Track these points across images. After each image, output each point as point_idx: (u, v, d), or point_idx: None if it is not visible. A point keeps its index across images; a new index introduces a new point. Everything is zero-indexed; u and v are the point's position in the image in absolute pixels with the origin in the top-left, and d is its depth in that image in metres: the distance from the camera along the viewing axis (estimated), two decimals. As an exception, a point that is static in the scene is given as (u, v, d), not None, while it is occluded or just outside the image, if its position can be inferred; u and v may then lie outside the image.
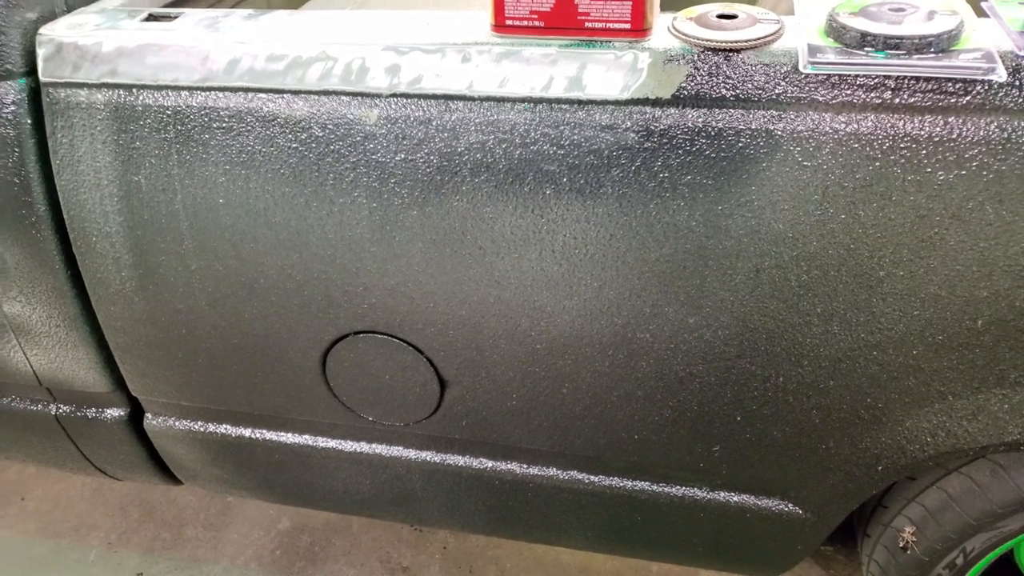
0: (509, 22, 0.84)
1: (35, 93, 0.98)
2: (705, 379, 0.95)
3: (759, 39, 0.80)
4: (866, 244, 0.83)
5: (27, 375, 1.19)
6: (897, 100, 0.77)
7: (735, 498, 1.08)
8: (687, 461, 1.04)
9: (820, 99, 0.79)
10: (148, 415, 1.24)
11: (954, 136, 0.76)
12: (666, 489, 1.10)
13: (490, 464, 1.14)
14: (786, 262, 0.85)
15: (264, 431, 1.19)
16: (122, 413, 1.23)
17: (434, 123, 0.87)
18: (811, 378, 0.93)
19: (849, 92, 0.78)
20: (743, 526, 1.11)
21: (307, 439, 1.18)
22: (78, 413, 1.24)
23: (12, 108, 0.97)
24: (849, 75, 0.78)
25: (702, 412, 0.98)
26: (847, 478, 1.01)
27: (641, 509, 1.13)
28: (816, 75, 0.79)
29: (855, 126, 0.78)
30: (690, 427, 1.00)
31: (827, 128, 0.79)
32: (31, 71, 0.97)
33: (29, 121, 0.98)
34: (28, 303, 1.09)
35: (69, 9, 1.02)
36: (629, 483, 1.10)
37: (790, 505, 1.07)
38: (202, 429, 1.21)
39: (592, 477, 1.11)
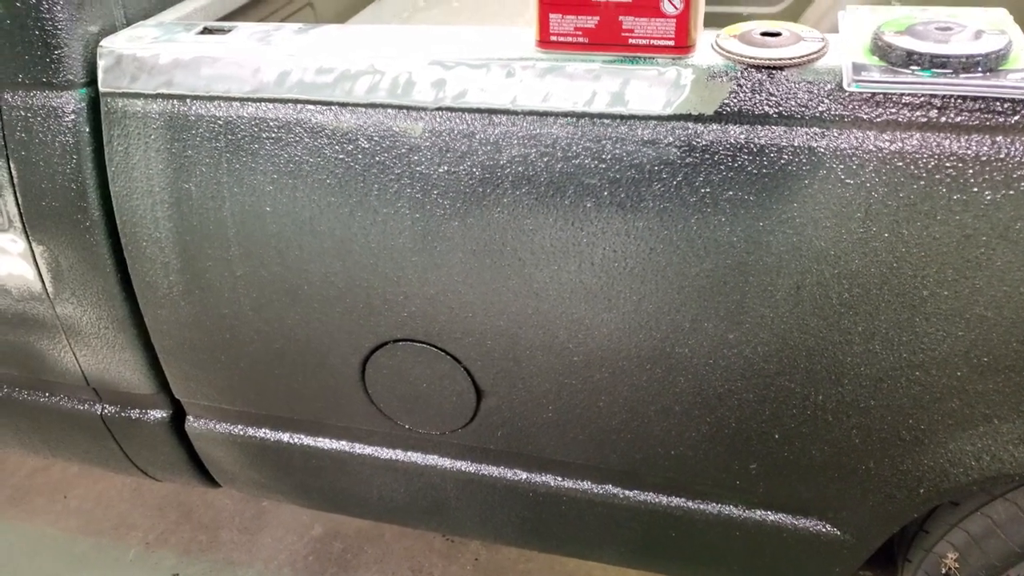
0: (554, 38, 0.85)
1: (94, 103, 1.02)
2: (743, 396, 0.95)
3: (803, 57, 0.80)
4: (910, 263, 0.82)
5: (76, 375, 1.22)
6: (943, 119, 0.77)
7: (772, 517, 1.07)
8: (724, 478, 1.03)
9: (864, 117, 0.79)
10: (190, 417, 1.26)
11: (1002, 156, 0.75)
12: (701, 506, 1.09)
13: (524, 476, 1.14)
14: (827, 280, 0.85)
15: (302, 436, 1.21)
16: (165, 415, 1.26)
17: (477, 136, 0.88)
18: (851, 397, 0.92)
19: (894, 110, 0.78)
20: (779, 546, 1.09)
21: (344, 445, 1.20)
22: (122, 414, 1.27)
23: (72, 117, 1.01)
24: (894, 94, 0.77)
25: (740, 429, 0.98)
26: (887, 500, 1.00)
27: (676, 526, 1.12)
28: (860, 93, 0.79)
29: (900, 144, 0.78)
30: (727, 444, 0.99)
31: (871, 146, 0.79)
32: (91, 82, 1.01)
33: (87, 129, 1.02)
34: (79, 305, 1.13)
35: (128, 22, 1.06)
36: (664, 499, 1.10)
37: (828, 526, 1.06)
38: (242, 433, 1.23)
39: (627, 492, 1.11)
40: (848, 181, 0.80)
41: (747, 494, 1.06)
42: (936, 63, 0.76)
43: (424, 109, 0.89)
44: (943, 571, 1.10)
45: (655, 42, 0.82)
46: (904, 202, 0.79)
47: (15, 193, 1.06)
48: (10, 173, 1.05)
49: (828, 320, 0.87)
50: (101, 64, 0.99)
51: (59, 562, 1.66)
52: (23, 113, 1.02)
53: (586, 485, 1.12)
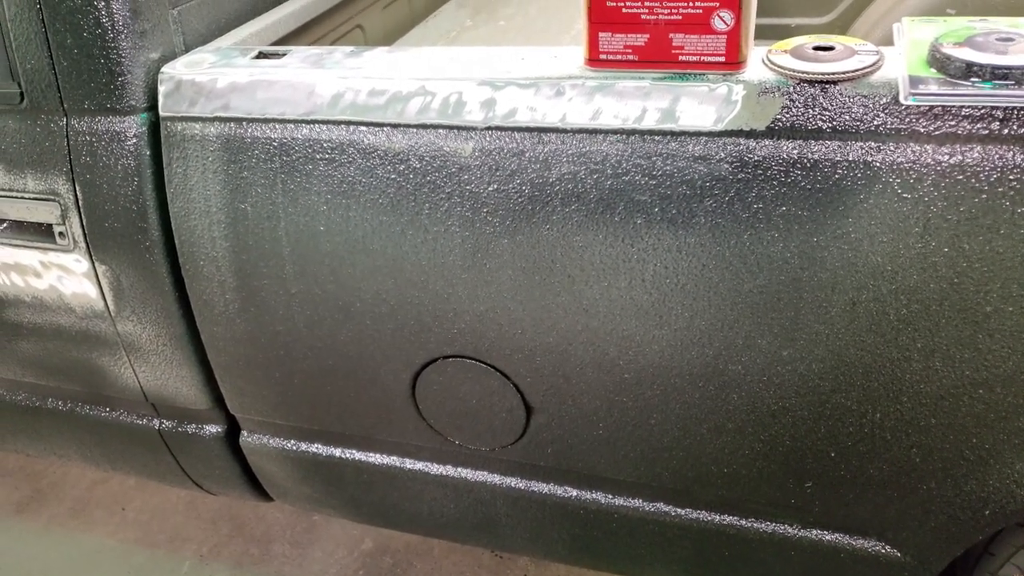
0: (603, 56, 0.86)
1: (154, 127, 1.05)
2: (798, 413, 0.93)
3: (857, 70, 0.79)
4: (971, 278, 0.80)
5: (135, 390, 1.26)
6: (1006, 131, 0.75)
7: (828, 537, 1.05)
8: (778, 497, 1.02)
9: (922, 130, 0.77)
10: (244, 432, 1.29)
11: (1069, 167, 0.73)
12: (755, 525, 1.07)
13: (574, 493, 1.13)
14: (884, 295, 0.83)
15: (354, 451, 1.23)
16: (220, 430, 1.28)
17: (527, 155, 0.89)
18: (911, 415, 0.89)
19: (953, 123, 0.76)
20: (836, 567, 1.07)
21: (395, 460, 1.21)
22: (179, 428, 1.30)
23: (134, 141, 1.04)
24: (953, 106, 0.76)
25: (795, 447, 0.96)
26: (950, 521, 0.97)
27: (729, 545, 1.10)
28: (917, 106, 0.77)
29: (959, 157, 0.76)
30: (782, 462, 0.98)
31: (929, 160, 0.77)
32: (152, 106, 1.05)
33: (148, 152, 1.05)
34: (139, 322, 1.16)
35: (187, 49, 1.10)
36: (717, 517, 1.08)
37: (888, 547, 1.03)
38: (294, 447, 1.25)
39: (678, 510, 1.09)
40: (905, 195, 0.79)
41: (803, 513, 1.04)
42: (997, 74, 0.74)
43: (474, 129, 0.90)
44: (1009, 595, 1.06)
45: (706, 58, 0.82)
46: (965, 216, 0.78)
47: (80, 215, 1.10)
48: (76, 196, 1.09)
49: (885, 337, 0.85)
50: (162, 89, 1.02)
51: (117, 573, 1.70)
52: (88, 138, 1.06)
53: (637, 503, 1.11)
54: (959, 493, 0.94)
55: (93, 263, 1.13)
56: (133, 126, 1.04)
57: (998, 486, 0.92)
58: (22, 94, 1.07)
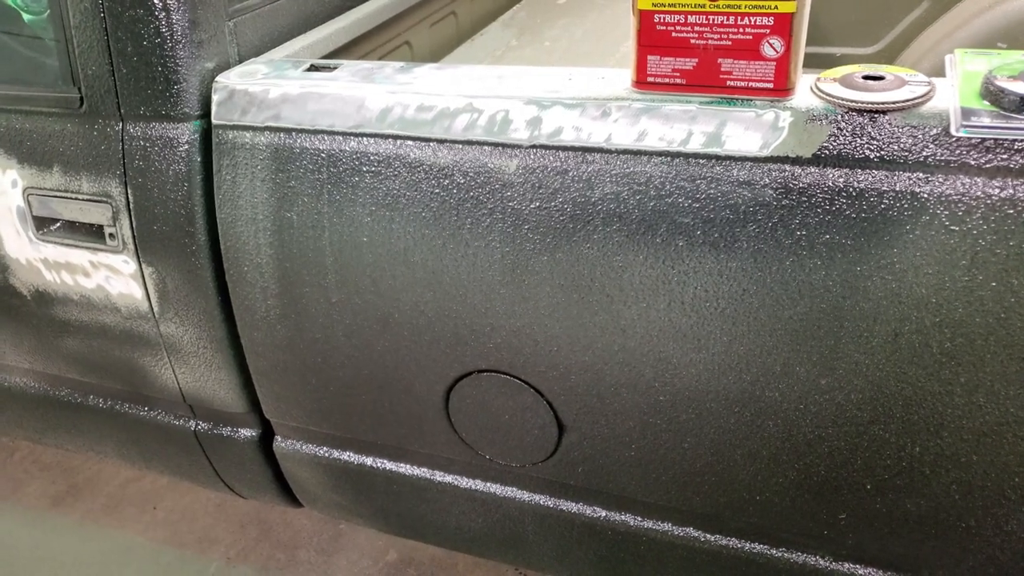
0: (650, 79, 0.86)
1: (206, 134, 1.08)
2: (834, 443, 0.92)
3: (907, 101, 0.79)
4: (1019, 314, 0.79)
5: (174, 391, 1.28)
6: (1059, 166, 0.74)
7: (861, 571, 1.03)
8: (810, 527, 1.00)
9: (972, 163, 0.77)
10: (278, 437, 1.30)
11: (1124, 205, 0.72)
12: (786, 555, 1.06)
13: (604, 513, 1.13)
14: (928, 328, 0.82)
15: (385, 461, 1.23)
16: (254, 434, 1.30)
17: (570, 173, 0.90)
18: (951, 451, 0.88)
19: (1005, 156, 0.76)
20: (868, 603, 1.05)
21: (425, 472, 1.21)
22: (215, 431, 1.32)
23: (186, 147, 1.07)
24: (1006, 139, 0.75)
25: (829, 477, 0.95)
26: (989, 562, 0.95)
27: (758, 573, 1.09)
28: (968, 139, 0.77)
29: (1011, 191, 0.76)
30: (816, 492, 0.96)
31: (979, 192, 0.77)
32: (205, 114, 1.08)
33: (199, 159, 1.08)
34: (181, 324, 1.18)
35: (241, 59, 1.13)
36: (747, 545, 1.07)
37: (921, 585, 1.01)
38: (327, 455, 1.26)
39: (708, 536, 1.08)
40: (953, 228, 0.78)
41: (835, 545, 1.02)
42: (1052, 109, 0.74)
43: (519, 146, 0.91)
44: (1047, 641, 1.03)
45: (754, 84, 0.82)
46: (1015, 251, 0.77)
47: (130, 217, 1.13)
48: (127, 198, 1.12)
49: (928, 370, 0.84)
50: (215, 98, 1.05)
51: (147, 571, 1.72)
52: (142, 143, 1.09)
53: (666, 526, 1.10)
54: (999, 533, 0.92)
55: (140, 265, 1.16)
56: (186, 133, 1.07)
57: (1040, 528, 0.89)
58: (82, 99, 1.11)
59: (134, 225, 1.13)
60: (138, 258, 1.15)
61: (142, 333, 1.23)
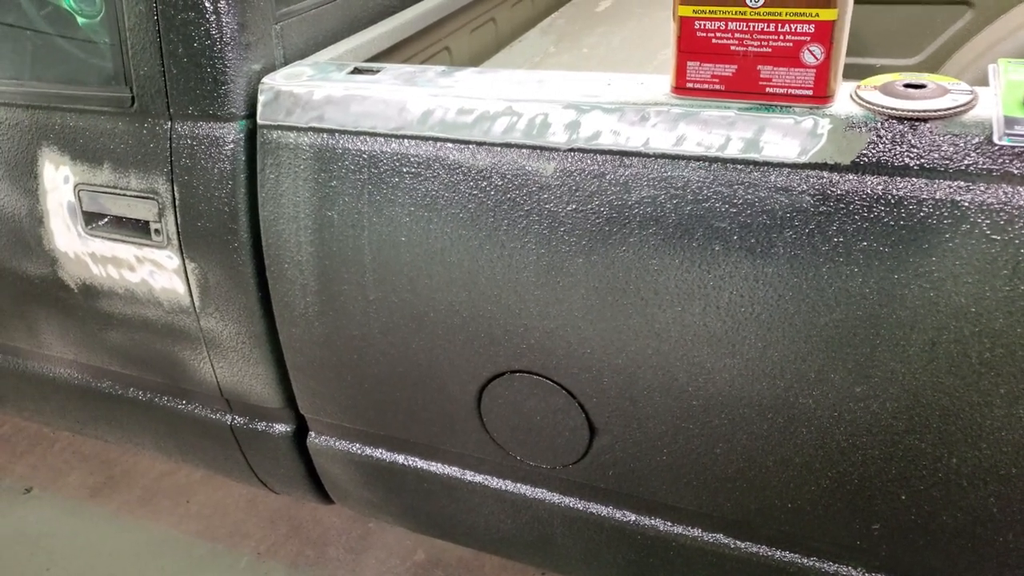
0: (690, 85, 0.87)
1: (251, 134, 1.11)
2: (869, 452, 0.92)
3: (949, 109, 0.79)
4: (1062, 325, 0.78)
5: (211, 385, 1.31)
6: (1104, 175, 0.73)
7: (893, 584, 1.02)
8: (843, 537, 0.99)
9: (1015, 172, 0.76)
10: (312, 433, 1.32)
11: None
12: (817, 564, 1.05)
13: (633, 518, 1.13)
14: (967, 337, 0.82)
15: (416, 459, 1.25)
16: (289, 429, 1.32)
17: (608, 177, 0.91)
18: (990, 463, 0.87)
19: (1049, 165, 0.75)
20: (899, 616, 1.04)
21: (455, 471, 1.23)
22: (250, 425, 1.35)
23: (231, 146, 1.10)
24: (1050, 148, 0.75)
25: (863, 486, 0.94)
26: (1025, 578, 0.93)
27: (787, 583, 1.08)
28: (1012, 147, 0.76)
29: (1054, 200, 0.75)
30: (849, 501, 0.96)
31: (1021, 202, 0.76)
32: (250, 115, 1.10)
33: (243, 158, 1.10)
34: (221, 319, 1.21)
35: (287, 62, 1.16)
36: (777, 553, 1.06)
37: (956, 600, 0.99)
38: (360, 451, 1.28)
39: (738, 542, 1.08)
40: (995, 237, 0.78)
41: (868, 556, 1.01)
42: (1097, 118, 0.73)
43: (557, 150, 0.93)
44: (1085, 663, 1.01)
45: (793, 91, 0.83)
46: (1057, 261, 0.76)
47: (176, 213, 1.16)
48: (173, 195, 1.15)
49: (966, 380, 0.84)
50: (261, 99, 1.08)
51: (179, 563, 1.75)
52: (189, 142, 1.12)
53: (696, 532, 1.10)
54: (1037, 549, 0.90)
55: (184, 260, 1.19)
56: (232, 132, 1.10)
57: (1079, 545, 0.88)
58: (133, 98, 1.15)
59: (179, 221, 1.16)
60: (182, 254, 1.18)
61: (183, 327, 1.26)
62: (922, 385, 0.85)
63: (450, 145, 0.98)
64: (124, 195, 1.19)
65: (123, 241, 1.22)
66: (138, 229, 1.21)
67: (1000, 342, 0.80)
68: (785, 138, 0.83)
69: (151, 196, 1.17)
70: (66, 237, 1.27)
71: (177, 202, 1.15)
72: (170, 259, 1.20)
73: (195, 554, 1.76)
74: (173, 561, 1.75)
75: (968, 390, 0.84)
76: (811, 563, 1.05)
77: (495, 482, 1.20)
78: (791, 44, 0.80)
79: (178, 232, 1.17)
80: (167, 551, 1.78)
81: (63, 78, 1.19)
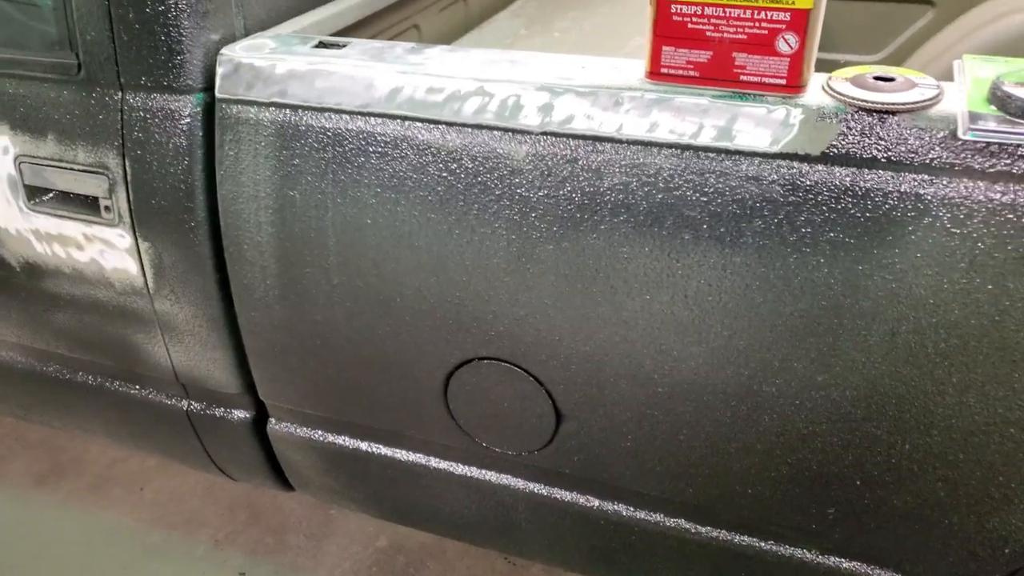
0: (664, 70, 0.87)
1: (209, 108, 1.06)
2: (828, 439, 0.94)
3: (916, 103, 0.80)
4: (1013, 317, 0.80)
5: (167, 370, 1.27)
6: (1061, 173, 0.75)
7: (845, 564, 1.05)
8: (800, 521, 1.02)
9: (976, 167, 0.78)
10: (272, 420, 1.30)
11: (1124, 213, 0.74)
12: (774, 548, 1.07)
13: (597, 503, 1.14)
14: (924, 328, 0.84)
15: (380, 446, 1.23)
16: (248, 415, 1.29)
17: (580, 162, 0.90)
18: (940, 449, 0.90)
19: (1008, 162, 0.77)
20: (852, 596, 1.07)
21: (420, 458, 1.21)
22: (207, 411, 1.31)
23: (188, 120, 1.06)
24: (1010, 144, 0.77)
25: (821, 472, 0.96)
26: (969, 557, 0.97)
27: (746, 565, 1.10)
28: (974, 142, 0.78)
29: (1011, 196, 0.77)
30: (807, 486, 0.98)
31: (981, 196, 0.78)
32: (208, 88, 1.06)
33: (201, 133, 1.06)
34: (177, 302, 1.17)
35: (247, 33, 1.11)
36: (737, 537, 1.08)
37: (904, 580, 1.03)
38: (322, 438, 1.26)
39: (699, 527, 1.10)
40: (954, 230, 0.79)
41: (822, 539, 1.04)
42: (1057, 116, 0.75)
43: (529, 133, 0.91)
44: (1022, 638, 1.06)
45: (767, 80, 0.83)
46: (1012, 255, 0.78)
47: (127, 190, 1.11)
48: (125, 171, 1.10)
49: (922, 369, 0.86)
50: (220, 71, 1.04)
51: (133, 551, 1.71)
52: (142, 114, 1.07)
53: (658, 517, 1.11)
54: (981, 530, 0.94)
55: (136, 239, 1.14)
56: (188, 105, 1.06)
57: (1020, 525, 0.92)
58: (79, 65, 1.09)
59: (131, 198, 1.12)
60: (134, 232, 1.14)
61: (136, 309, 1.22)
62: (880, 374, 0.87)
63: (419, 125, 0.95)
64: (71, 169, 1.14)
65: (70, 218, 1.17)
66: (86, 205, 1.16)
67: (955, 333, 0.83)
68: (757, 127, 0.84)
69: (100, 171, 1.12)
70: (6, 212, 1.21)
71: (129, 178, 1.11)
72: (122, 238, 1.15)
73: (149, 542, 1.72)
74: (126, 549, 1.71)
75: (923, 379, 0.86)
76: (768, 547, 1.08)
77: (460, 468, 1.20)
78: (766, 32, 0.81)
79: (130, 210, 1.12)
80: (119, 539, 1.73)
81: (2, 40, 1.12)
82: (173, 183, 1.08)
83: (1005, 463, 0.88)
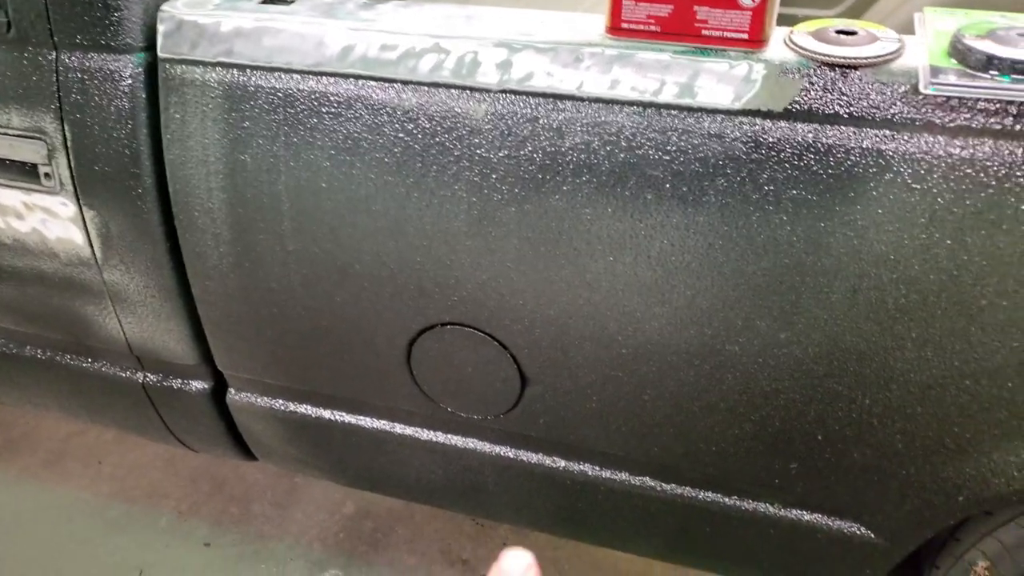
0: (625, 25, 0.84)
1: (152, 68, 1.01)
2: (790, 395, 0.95)
3: (878, 57, 0.79)
4: (970, 272, 0.81)
5: (119, 342, 1.23)
6: (1018, 127, 0.75)
7: (807, 517, 1.07)
8: (763, 476, 1.03)
9: (936, 122, 0.78)
10: (231, 390, 1.27)
11: (1079, 167, 0.74)
12: (738, 503, 1.09)
13: (563, 464, 1.14)
14: (885, 284, 0.84)
15: (344, 414, 1.22)
16: (206, 386, 1.27)
17: (541, 121, 0.88)
18: (898, 403, 0.91)
19: (968, 116, 0.77)
20: (813, 546, 1.09)
21: (384, 425, 1.20)
22: (164, 383, 1.28)
23: (129, 81, 1.01)
24: (970, 98, 0.76)
25: (784, 428, 0.97)
26: (925, 506, 0.99)
27: (710, 521, 1.12)
28: (935, 97, 0.77)
29: (971, 151, 0.77)
30: (770, 443, 0.99)
31: (941, 152, 0.78)
32: (149, 47, 1.01)
33: (144, 95, 1.01)
34: (127, 272, 1.13)
35: (189, -12, 1.06)
36: (701, 494, 1.10)
37: (863, 529, 1.05)
38: (283, 408, 1.24)
39: (664, 485, 1.11)
40: (915, 186, 0.79)
41: (785, 493, 1.05)
42: (1017, 69, 0.75)
43: (488, 91, 0.89)
44: (973, 579, 1.10)
45: (728, 34, 0.81)
46: (970, 210, 0.78)
47: (68, 156, 1.06)
48: (64, 135, 1.05)
49: (882, 325, 0.87)
50: (161, 29, 0.99)
51: (93, 526, 1.67)
52: (80, 75, 1.02)
53: (624, 476, 1.12)
54: (936, 480, 0.96)
55: (80, 207, 1.09)
56: (129, 66, 1.01)
57: (974, 474, 0.94)
58: (9, 23, 1.03)
59: (72, 165, 1.06)
60: (78, 200, 1.09)
61: (84, 280, 1.17)
62: (842, 331, 0.88)
63: (373, 84, 0.92)
64: (5, 134, 1.08)
65: (7, 186, 1.11)
66: (24, 172, 1.10)
67: (914, 288, 0.83)
68: (719, 84, 0.82)
69: (37, 136, 1.06)
70: (-62, 181, 1.15)
71: (69, 143, 1.05)
72: (65, 206, 1.10)
73: (110, 516, 1.69)
74: (86, 524, 1.67)
75: (883, 335, 0.87)
76: (732, 502, 1.09)
77: (426, 434, 1.19)
78: (728, -14, 0.79)
79: (72, 176, 1.07)
80: (78, 514, 1.69)
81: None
82: (117, 148, 1.03)
83: (960, 415, 0.90)
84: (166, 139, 1.01)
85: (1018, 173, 0.76)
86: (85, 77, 1.02)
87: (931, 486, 0.97)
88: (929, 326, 0.85)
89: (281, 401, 1.24)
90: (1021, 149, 0.76)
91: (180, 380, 1.27)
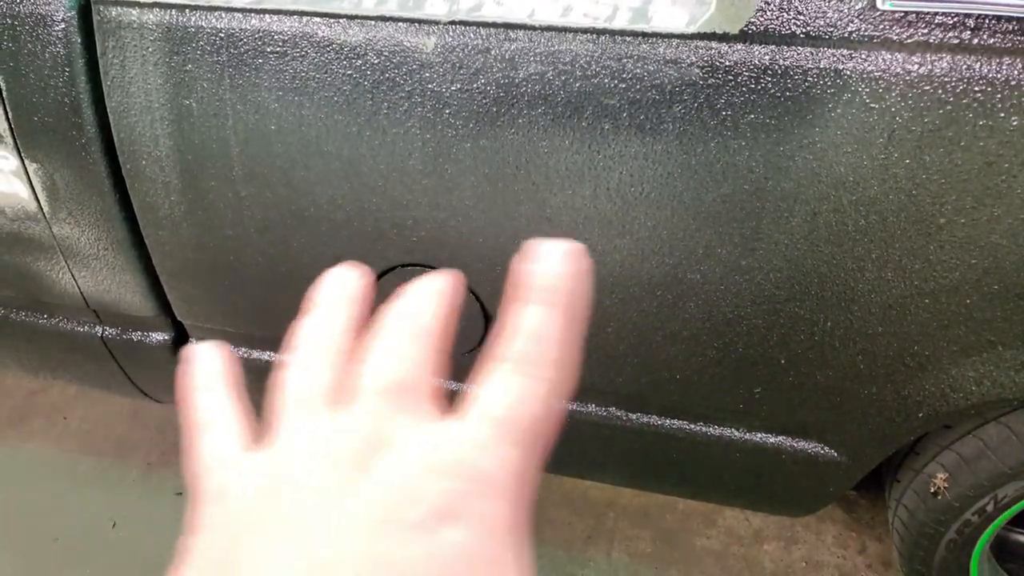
0: (575, -52, 0.81)
1: (85, 11, 0.96)
2: (752, 321, 0.95)
3: (834, -27, 0.77)
4: (929, 190, 0.81)
5: (75, 297, 1.20)
6: (976, 41, 0.74)
7: (772, 439, 1.10)
8: (727, 402, 1.05)
9: (894, 38, 0.76)
10: (193, 340, 1.25)
11: (1034, 80, 0.74)
12: (704, 429, 1.11)
13: (531, 399, 1.15)
14: (845, 206, 0.84)
15: (308, 359, 1.21)
16: (167, 337, 1.25)
17: (493, 52, 0.85)
18: (860, 324, 0.92)
19: (925, 31, 0.75)
20: (777, 467, 1.12)
21: (350, 368, 1.20)
22: (124, 336, 1.26)
23: (62, 26, 0.96)
24: (928, 13, 0.75)
25: (747, 354, 0.98)
26: (886, 424, 1.02)
27: (677, 448, 1.14)
28: (892, 13, 0.76)
29: (928, 68, 0.76)
30: (734, 369, 1.00)
31: (898, 69, 0.77)
32: (81, -12, 0.96)
33: (79, 40, 0.96)
34: (77, 225, 1.10)
35: (118, -76, 1.00)
36: (667, 422, 1.11)
37: (826, 448, 1.08)
38: (245, 356, 1.23)
39: (631, 415, 1.12)
40: (873, 105, 0.78)
41: (749, 417, 1.07)
42: (973, -18, 0.74)
43: (437, 23, 0.85)
44: (932, 491, 1.14)
45: (682, -45, 0.79)
46: (928, 128, 0.78)
47: (4, 107, 1.01)
48: (-2, 86, 1.00)
49: (843, 247, 0.87)
50: (91, -31, 0.93)
51: (61, 482, 1.67)
52: (9, 21, 0.97)
53: (591, 408, 1.13)
54: (897, 398, 0.98)
55: (23, 161, 1.05)
56: (60, 9, 0.95)
57: (933, 390, 0.96)
58: (-72, -31, 0.97)
59: (10, 116, 1.02)
60: (19, 153, 1.05)
61: (33, 236, 1.14)
62: (803, 255, 0.88)
63: (317, 20, 0.88)
64: (-65, 87, 1.02)
65: (-56, 141, 1.07)
66: (-40, 127, 1.05)
67: (874, 209, 0.83)
68: (674, 7, 0.80)
69: (-31, 87, 1.01)
70: None
71: (4, 93, 1.00)
72: (6, 160, 1.06)
73: (79, 471, 1.68)
74: (55, 481, 1.67)
75: (844, 257, 0.87)
76: (698, 428, 1.11)
77: (392, 376, 1.19)
78: (679, -97, 0.76)
79: (11, 128, 1.03)
80: (47, 471, 1.69)
81: None
82: (55, 97, 0.99)
83: (920, 333, 0.91)
84: (106, 86, 0.97)
85: (975, 88, 0.76)
86: (15, 22, 0.96)
87: (892, 404, 0.99)
88: (889, 246, 0.85)
89: (244, 349, 1.23)
90: (979, 64, 0.75)
91: (140, 332, 1.25)
